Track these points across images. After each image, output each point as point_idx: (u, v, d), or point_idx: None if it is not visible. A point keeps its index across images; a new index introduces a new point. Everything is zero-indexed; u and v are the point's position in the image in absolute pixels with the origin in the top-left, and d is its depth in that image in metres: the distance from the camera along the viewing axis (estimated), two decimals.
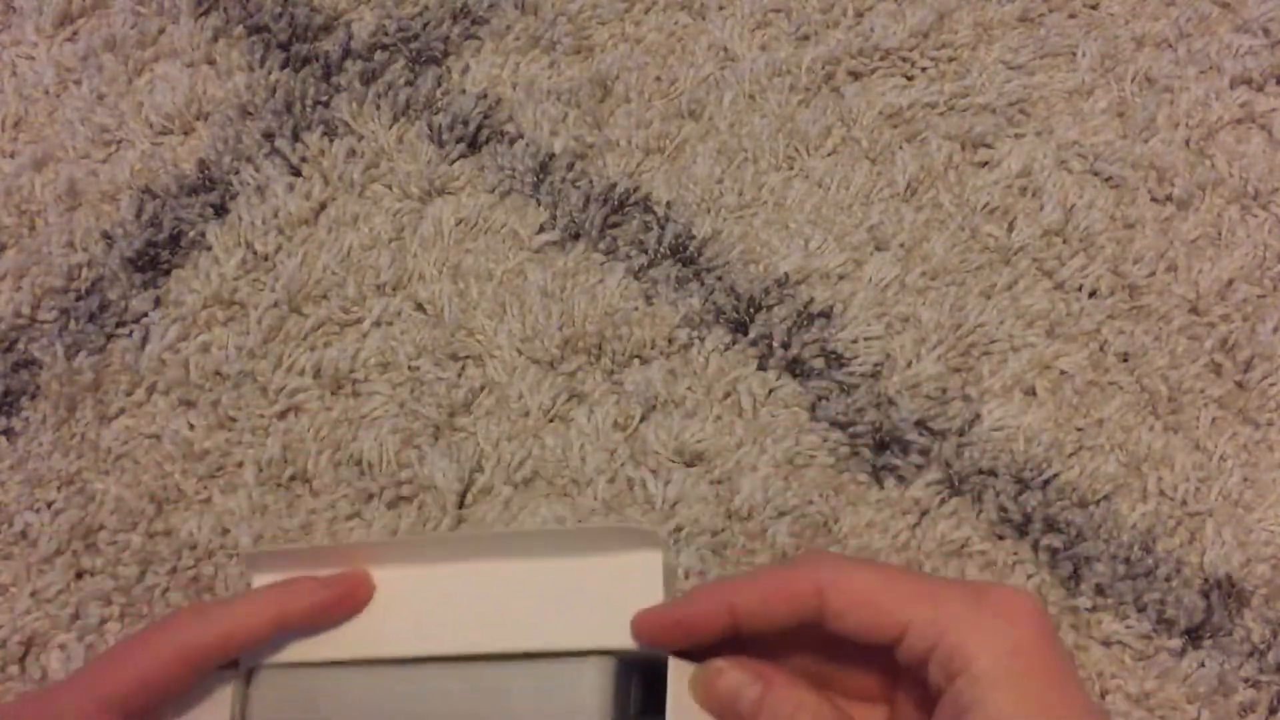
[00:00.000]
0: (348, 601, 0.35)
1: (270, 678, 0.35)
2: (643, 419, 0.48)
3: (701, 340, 0.50)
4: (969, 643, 0.28)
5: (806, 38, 0.58)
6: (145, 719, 0.33)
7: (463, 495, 0.47)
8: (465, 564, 0.34)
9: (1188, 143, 0.55)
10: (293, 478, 0.47)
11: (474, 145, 0.55)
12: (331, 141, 0.55)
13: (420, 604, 0.34)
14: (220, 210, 0.53)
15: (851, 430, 0.48)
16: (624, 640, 0.32)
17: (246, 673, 0.35)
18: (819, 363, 0.49)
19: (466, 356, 0.50)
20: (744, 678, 0.31)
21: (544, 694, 0.32)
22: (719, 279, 0.51)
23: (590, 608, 0.33)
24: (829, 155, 0.55)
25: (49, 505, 0.46)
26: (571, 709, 0.32)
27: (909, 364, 0.49)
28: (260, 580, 0.36)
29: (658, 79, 0.57)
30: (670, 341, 0.50)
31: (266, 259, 0.52)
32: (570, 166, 0.54)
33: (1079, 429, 0.48)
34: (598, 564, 0.33)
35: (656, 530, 0.34)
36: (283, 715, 0.34)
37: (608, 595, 0.33)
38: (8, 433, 0.48)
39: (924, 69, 0.57)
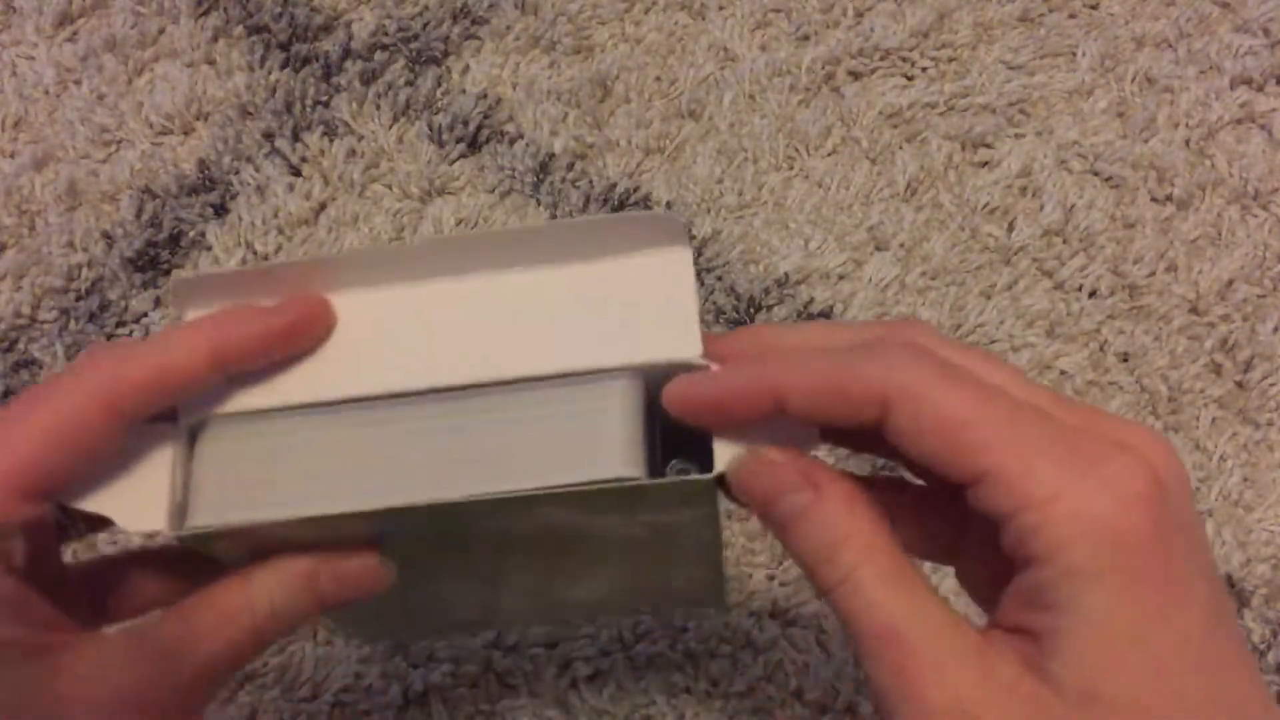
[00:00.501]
0: (303, 329, 0.27)
1: (217, 431, 0.27)
2: None
3: None
4: (1060, 524, 0.22)
5: (806, 38, 0.58)
6: (61, 492, 0.26)
7: None
8: (447, 280, 0.27)
9: (1188, 143, 0.55)
10: None
11: (474, 145, 0.55)
12: (331, 141, 0.55)
13: (394, 331, 0.27)
14: (220, 210, 0.53)
15: None
16: (652, 354, 0.26)
17: (188, 428, 0.27)
18: None
19: None
20: (792, 480, 0.25)
21: (553, 427, 0.25)
22: (719, 279, 0.51)
23: (605, 320, 0.26)
24: (829, 155, 0.55)
25: None
26: (591, 443, 0.25)
27: None
28: (194, 315, 0.28)
29: (658, 79, 0.57)
30: None
31: (266, 259, 0.52)
32: (570, 166, 0.54)
33: None
34: (611, 267, 0.26)
35: (678, 218, 0.26)
36: (236, 474, 0.27)
37: (627, 303, 0.26)
38: None
39: (924, 69, 0.57)
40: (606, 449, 0.25)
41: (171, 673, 0.27)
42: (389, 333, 0.27)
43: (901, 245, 0.52)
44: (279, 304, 0.27)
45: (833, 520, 0.25)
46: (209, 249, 0.52)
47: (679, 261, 0.26)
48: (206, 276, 0.28)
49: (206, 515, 0.26)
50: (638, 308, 0.26)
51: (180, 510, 0.27)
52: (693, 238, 0.26)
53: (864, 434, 0.24)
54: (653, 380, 0.26)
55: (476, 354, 0.26)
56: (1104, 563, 0.22)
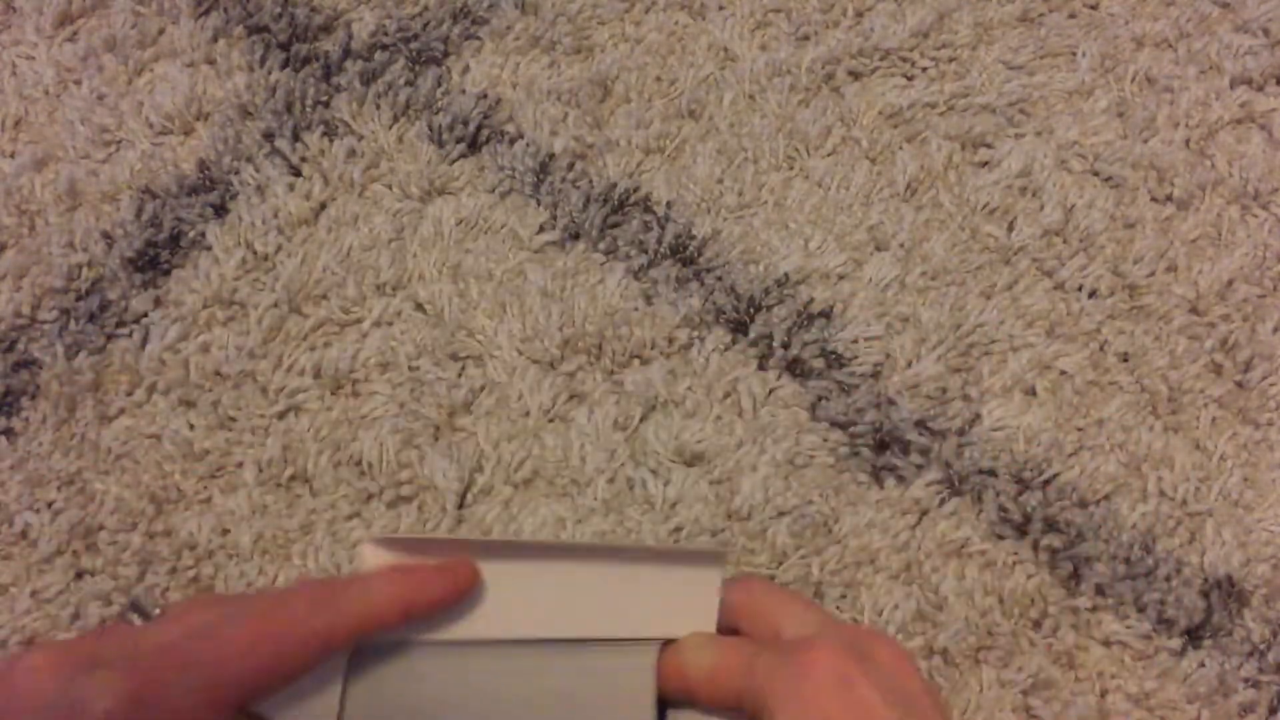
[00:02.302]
0: (465, 592, 0.36)
1: (373, 653, 0.35)
2: (643, 419, 0.48)
3: (701, 340, 0.50)
4: (772, 702, 0.32)
5: (806, 38, 0.58)
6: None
7: (463, 495, 0.47)
8: (544, 563, 0.37)
9: (1188, 143, 0.55)
10: (293, 478, 0.47)
11: (474, 145, 0.55)
12: (331, 141, 0.55)
13: (510, 594, 0.37)
14: (220, 210, 0.53)
15: (851, 430, 0.48)
16: (671, 632, 0.37)
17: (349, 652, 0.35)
18: (819, 363, 0.49)
19: (466, 356, 0.50)
20: None
21: (607, 673, 0.36)
22: (719, 279, 0.51)
23: (651, 607, 0.37)
24: (829, 155, 0.55)
25: (49, 505, 0.46)
26: (629, 686, 0.36)
27: (909, 364, 0.49)
28: (372, 561, 0.37)
29: (658, 79, 0.57)
30: (670, 341, 0.50)
31: (266, 259, 0.52)
32: (570, 166, 0.54)
33: (1079, 429, 0.48)
34: (666, 574, 0.37)
35: (724, 552, 0.39)
36: (387, 689, 0.35)
37: (669, 597, 0.37)
38: (8, 433, 0.48)
39: (924, 69, 0.57)
40: (635, 695, 0.36)
41: None
42: (504, 595, 0.36)
43: (901, 245, 0.52)
44: (446, 569, 0.35)
45: None
46: (209, 249, 0.52)
47: (709, 579, 0.37)
48: (396, 540, 0.37)
49: None
50: (675, 601, 0.37)
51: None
52: (725, 563, 0.40)
53: None
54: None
55: (561, 617, 0.36)
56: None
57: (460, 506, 0.47)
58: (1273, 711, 0.43)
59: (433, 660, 0.36)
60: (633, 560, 0.37)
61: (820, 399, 0.49)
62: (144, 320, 0.50)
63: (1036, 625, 0.45)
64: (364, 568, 0.36)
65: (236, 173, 0.54)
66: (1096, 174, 0.54)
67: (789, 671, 0.32)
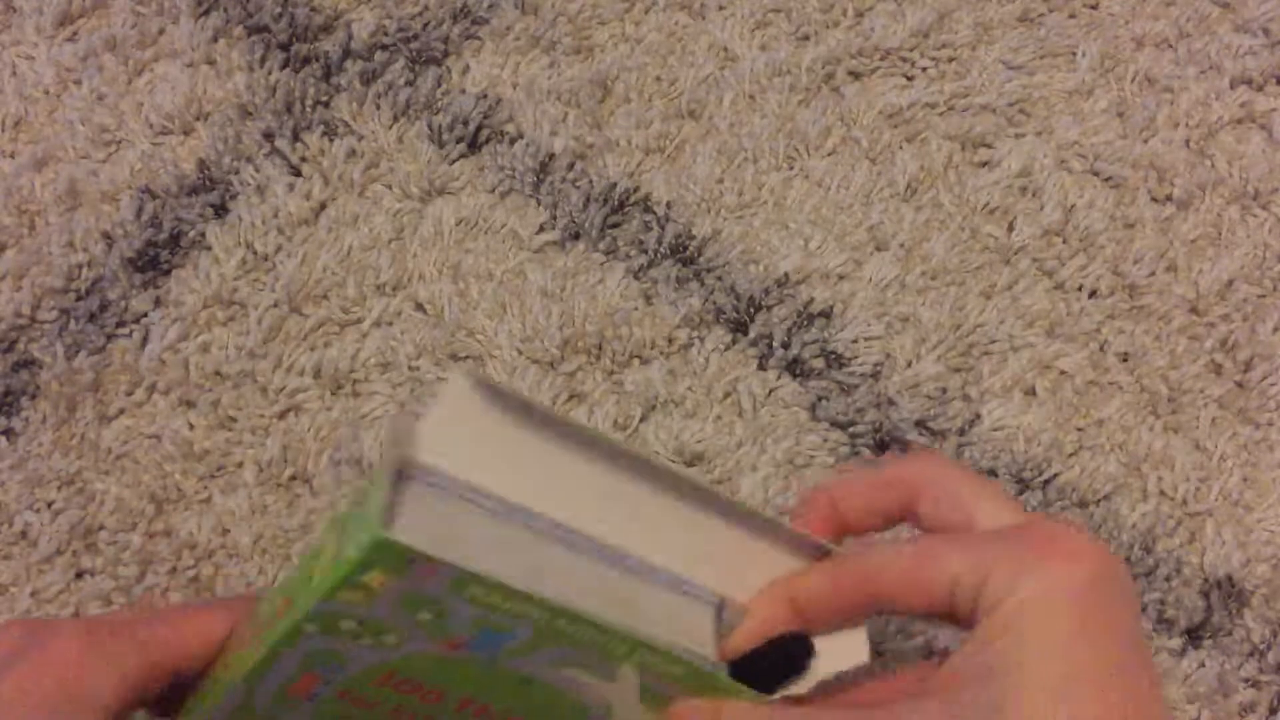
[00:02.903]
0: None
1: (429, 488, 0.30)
2: (643, 419, 0.48)
3: (701, 340, 0.50)
4: (1002, 582, 0.27)
5: (806, 38, 0.58)
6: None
7: None
8: (663, 496, 0.33)
9: (1188, 143, 0.55)
10: (293, 478, 0.47)
11: (474, 145, 0.55)
12: (331, 141, 0.55)
13: (610, 499, 0.32)
14: (220, 210, 0.53)
15: (852, 430, 0.48)
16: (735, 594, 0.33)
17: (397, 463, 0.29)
18: (819, 363, 0.49)
19: (466, 356, 0.50)
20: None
21: (673, 611, 0.33)
22: (719, 279, 0.51)
23: (738, 568, 0.34)
24: (829, 155, 0.55)
25: (49, 505, 0.46)
26: (689, 631, 0.33)
27: (909, 364, 0.49)
28: (454, 401, 0.30)
29: (658, 79, 0.57)
30: (670, 341, 0.50)
31: (266, 259, 0.52)
32: (570, 166, 0.54)
33: (1079, 429, 0.48)
34: (766, 546, 0.34)
35: (837, 548, 0.34)
36: (436, 518, 0.29)
37: (759, 565, 0.34)
38: (8, 433, 0.48)
39: (924, 69, 0.57)
40: (702, 636, 0.32)
41: None
42: (602, 497, 0.32)
43: (901, 245, 0.52)
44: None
45: None
46: (209, 249, 0.52)
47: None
48: (497, 390, 0.31)
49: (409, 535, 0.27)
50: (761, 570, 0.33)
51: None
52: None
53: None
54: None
55: (651, 543, 0.32)
56: (1033, 610, 0.27)
57: None
58: (1273, 711, 0.43)
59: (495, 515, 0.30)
60: (741, 520, 0.33)
61: (820, 399, 0.49)
62: (144, 320, 0.50)
63: None
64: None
65: (236, 173, 0.54)
66: (1096, 174, 0.54)
67: (1046, 560, 0.27)
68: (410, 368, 0.49)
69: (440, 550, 0.27)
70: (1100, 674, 0.26)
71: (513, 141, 0.55)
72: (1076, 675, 0.26)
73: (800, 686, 0.33)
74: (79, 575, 0.45)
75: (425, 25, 0.58)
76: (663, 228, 0.52)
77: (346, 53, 0.57)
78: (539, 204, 0.53)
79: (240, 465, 0.47)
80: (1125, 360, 0.50)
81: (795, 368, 0.49)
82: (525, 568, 0.30)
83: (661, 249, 0.52)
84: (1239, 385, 0.49)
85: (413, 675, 0.31)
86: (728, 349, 0.50)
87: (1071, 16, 0.58)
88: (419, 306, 0.51)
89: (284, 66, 0.57)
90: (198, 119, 0.56)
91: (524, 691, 0.32)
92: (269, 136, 0.55)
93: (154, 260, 0.52)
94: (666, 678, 0.32)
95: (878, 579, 0.30)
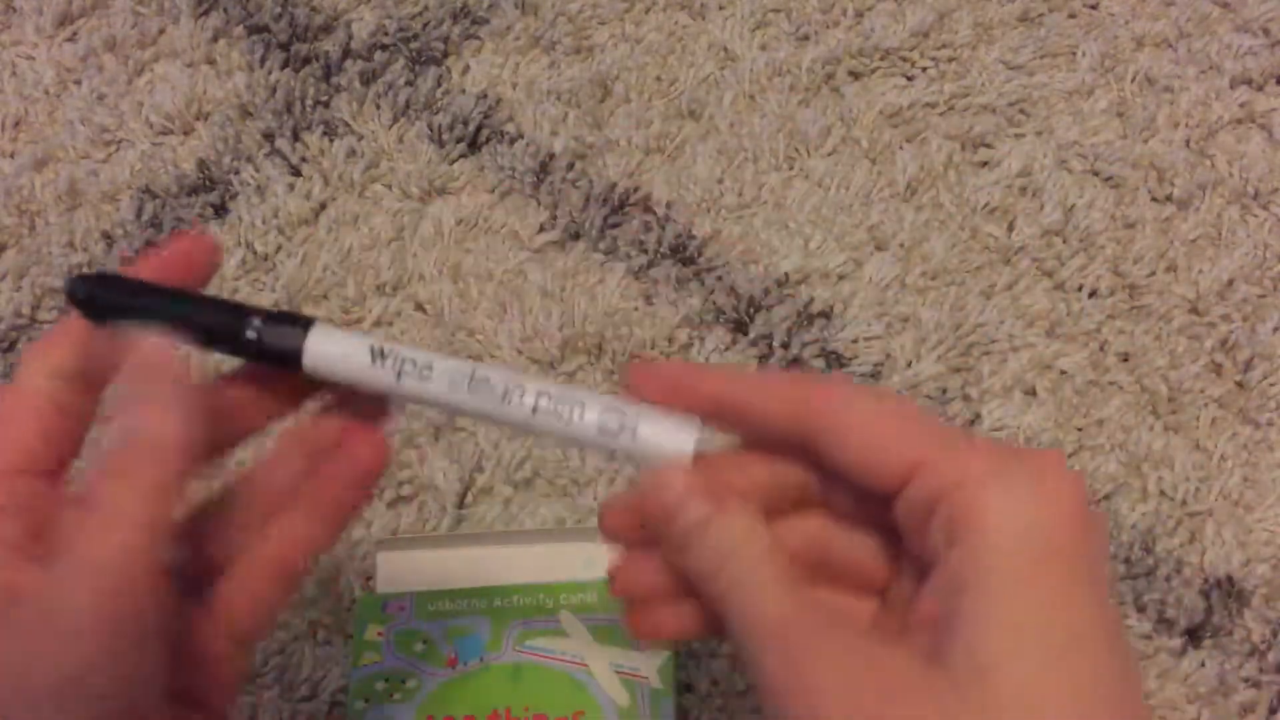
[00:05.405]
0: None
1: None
2: None
3: (701, 340, 0.50)
4: (986, 503, 0.22)
5: (806, 38, 0.58)
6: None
7: (463, 495, 0.47)
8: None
9: (1188, 143, 0.55)
10: None
11: (474, 145, 0.55)
12: (331, 141, 0.55)
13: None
14: (220, 210, 0.53)
15: None
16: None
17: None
18: (819, 363, 0.49)
19: (467, 356, 0.50)
20: (696, 493, 0.25)
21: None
22: (719, 279, 0.51)
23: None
24: (829, 155, 0.55)
25: None
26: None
27: (909, 364, 0.49)
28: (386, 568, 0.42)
29: (658, 79, 0.57)
30: (670, 341, 0.50)
31: (266, 259, 0.52)
32: (570, 166, 0.54)
33: (1079, 429, 0.48)
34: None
35: None
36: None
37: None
38: None
39: (924, 69, 0.57)
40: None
41: None
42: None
43: (901, 245, 0.52)
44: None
45: (730, 530, 0.25)
46: None
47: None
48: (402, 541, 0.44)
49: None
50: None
51: None
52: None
53: (791, 445, 0.26)
54: None
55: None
56: (1020, 546, 0.22)
57: (460, 506, 0.47)
58: (1273, 711, 0.43)
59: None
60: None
61: None
62: None
63: None
64: (380, 576, 0.39)
65: (236, 173, 0.54)
66: (1096, 174, 0.54)
67: (1019, 468, 0.23)
68: None
69: (397, 586, 0.37)
70: (1100, 636, 0.23)
71: (513, 141, 0.55)
72: (1079, 637, 0.22)
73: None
74: None
75: (425, 25, 0.58)
76: (663, 228, 0.52)
77: (346, 53, 0.57)
78: (539, 204, 0.53)
79: (240, 465, 0.47)
80: (1125, 360, 0.50)
81: (795, 367, 0.49)
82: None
83: (661, 249, 0.52)
84: (1239, 385, 0.49)
85: (444, 710, 0.36)
86: (728, 349, 0.50)
87: (1071, 16, 0.58)
88: (419, 306, 0.51)
89: (284, 66, 0.57)
90: (198, 119, 0.56)
91: (522, 681, 0.36)
92: (269, 136, 0.55)
93: None
94: (598, 610, 0.37)
95: (827, 409, 0.25)
